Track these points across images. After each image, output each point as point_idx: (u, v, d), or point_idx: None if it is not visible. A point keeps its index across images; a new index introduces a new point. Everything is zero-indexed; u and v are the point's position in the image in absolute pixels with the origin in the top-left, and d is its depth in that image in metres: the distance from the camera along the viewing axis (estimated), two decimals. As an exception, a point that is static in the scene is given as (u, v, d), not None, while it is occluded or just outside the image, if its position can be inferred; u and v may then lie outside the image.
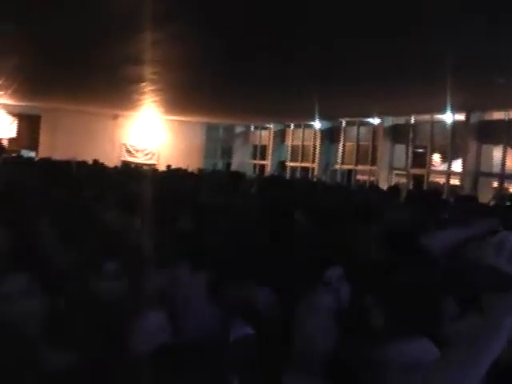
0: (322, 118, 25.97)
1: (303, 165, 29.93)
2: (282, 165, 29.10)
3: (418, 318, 3.44)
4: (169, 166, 22.41)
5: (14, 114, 32.57)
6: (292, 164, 30.77)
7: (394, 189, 10.12)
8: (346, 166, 27.23)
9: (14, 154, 26.22)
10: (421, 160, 23.37)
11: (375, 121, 24.64)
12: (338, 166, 27.69)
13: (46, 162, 17.36)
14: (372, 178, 25.03)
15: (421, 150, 23.70)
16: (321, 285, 4.24)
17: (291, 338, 3.89)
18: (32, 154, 30.61)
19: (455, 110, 19.43)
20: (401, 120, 24.31)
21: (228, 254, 4.96)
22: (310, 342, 3.78)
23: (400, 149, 24.48)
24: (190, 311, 4.23)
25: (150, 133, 34.08)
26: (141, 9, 9.40)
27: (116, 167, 21.16)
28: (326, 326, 3.84)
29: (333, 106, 21.66)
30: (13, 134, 32.42)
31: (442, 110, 19.67)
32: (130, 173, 16.57)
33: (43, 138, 32.83)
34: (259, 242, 5.54)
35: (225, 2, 9.45)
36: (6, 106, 31.70)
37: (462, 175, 20.85)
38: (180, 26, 10.85)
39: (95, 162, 19.34)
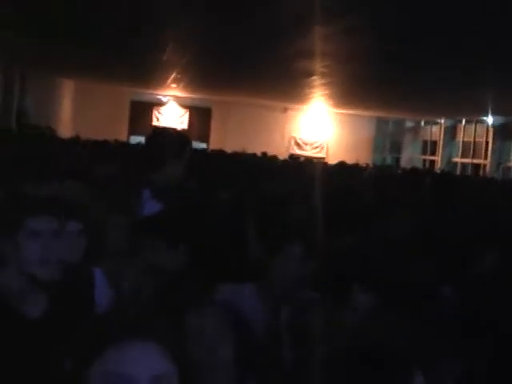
0: (496, 113, 25.23)
1: (474, 161, 29.14)
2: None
3: None
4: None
5: (185, 106, 33.47)
6: (463, 160, 30.05)
7: None
8: (519, 164, 26.37)
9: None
10: None
11: (552, 117, 23.76)
12: (511, 164, 26.82)
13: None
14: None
15: None
16: None
17: None
18: (203, 146, 31.34)
19: None
20: None
21: None
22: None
23: None
24: None
25: (318, 126, 34.11)
26: (312, 3, 9.38)
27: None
28: None
29: (508, 100, 20.96)
30: (184, 125, 33.22)
31: None
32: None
33: (214, 130, 33.51)
34: None
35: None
36: (177, 99, 32.60)
37: None
38: (351, 20, 10.75)
39: (264, 154, 19.42)
